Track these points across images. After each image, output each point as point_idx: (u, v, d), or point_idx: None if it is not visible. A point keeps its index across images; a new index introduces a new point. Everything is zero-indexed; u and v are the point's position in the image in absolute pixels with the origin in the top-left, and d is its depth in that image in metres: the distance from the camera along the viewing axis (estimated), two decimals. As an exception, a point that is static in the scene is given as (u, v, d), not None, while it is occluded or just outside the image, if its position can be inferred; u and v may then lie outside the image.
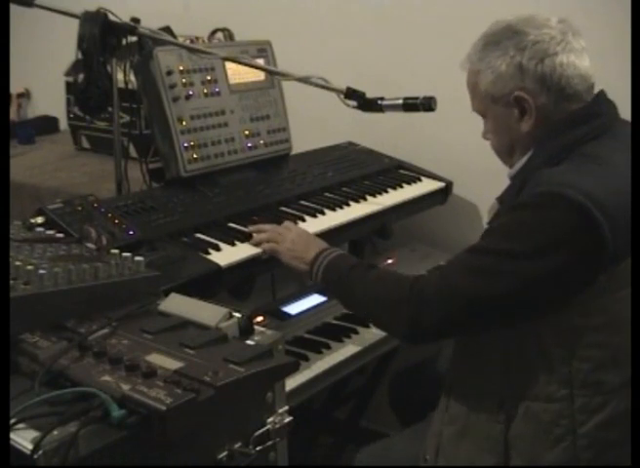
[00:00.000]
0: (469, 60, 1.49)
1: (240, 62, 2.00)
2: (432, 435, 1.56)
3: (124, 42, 1.92)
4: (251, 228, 1.81)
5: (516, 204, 1.39)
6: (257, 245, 1.76)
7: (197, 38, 2.37)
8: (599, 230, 1.28)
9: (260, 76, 2.20)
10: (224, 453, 1.17)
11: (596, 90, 1.47)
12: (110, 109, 2.01)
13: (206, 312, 1.25)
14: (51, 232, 1.60)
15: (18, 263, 1.25)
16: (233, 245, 1.75)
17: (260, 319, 1.84)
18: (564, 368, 1.38)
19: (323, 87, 1.88)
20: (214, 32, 2.33)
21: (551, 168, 1.38)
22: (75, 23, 1.87)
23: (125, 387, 1.01)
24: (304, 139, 2.38)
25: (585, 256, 1.31)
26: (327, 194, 2.14)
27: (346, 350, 1.84)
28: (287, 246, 1.72)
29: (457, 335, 1.54)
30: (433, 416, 1.58)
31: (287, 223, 1.83)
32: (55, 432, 0.95)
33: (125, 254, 1.38)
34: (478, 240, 1.43)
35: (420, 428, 1.70)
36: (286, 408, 1.28)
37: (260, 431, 1.23)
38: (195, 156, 1.99)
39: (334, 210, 2.03)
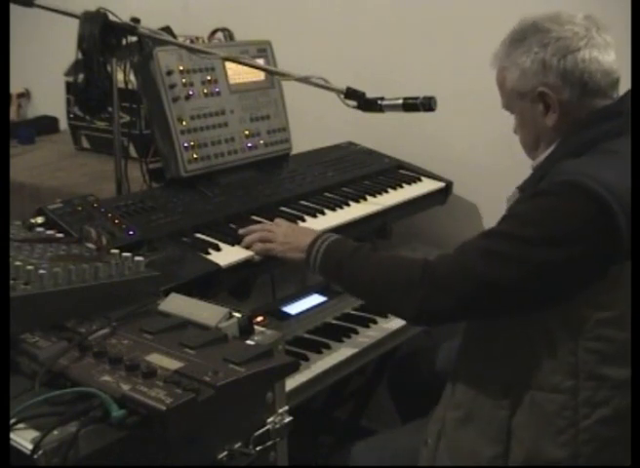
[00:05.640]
0: (497, 57, 1.54)
1: (240, 62, 2.00)
2: (435, 420, 1.56)
3: (124, 42, 1.92)
4: (241, 231, 1.78)
5: (536, 191, 1.41)
6: (248, 247, 1.73)
7: (197, 38, 2.37)
8: (616, 223, 1.30)
9: (260, 76, 2.20)
10: (224, 453, 1.17)
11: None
12: (110, 109, 2.01)
13: (206, 312, 1.25)
14: (51, 232, 1.60)
15: (18, 263, 1.25)
16: (233, 245, 1.75)
17: (260, 319, 1.83)
18: (570, 358, 1.39)
19: (323, 87, 1.88)
20: (214, 32, 2.33)
21: (573, 159, 1.41)
22: (75, 23, 1.87)
23: (125, 387, 1.01)
24: (304, 139, 2.38)
25: (601, 248, 1.33)
26: (327, 194, 2.14)
27: (346, 350, 1.84)
28: (280, 240, 1.71)
29: (467, 319, 1.54)
30: (435, 409, 1.58)
31: (277, 220, 1.83)
32: (55, 432, 0.95)
33: (125, 254, 1.38)
34: (495, 225, 1.44)
35: (420, 424, 1.70)
36: (286, 408, 1.28)
37: (260, 431, 1.23)
38: (195, 156, 1.99)
39: (334, 210, 2.03)
